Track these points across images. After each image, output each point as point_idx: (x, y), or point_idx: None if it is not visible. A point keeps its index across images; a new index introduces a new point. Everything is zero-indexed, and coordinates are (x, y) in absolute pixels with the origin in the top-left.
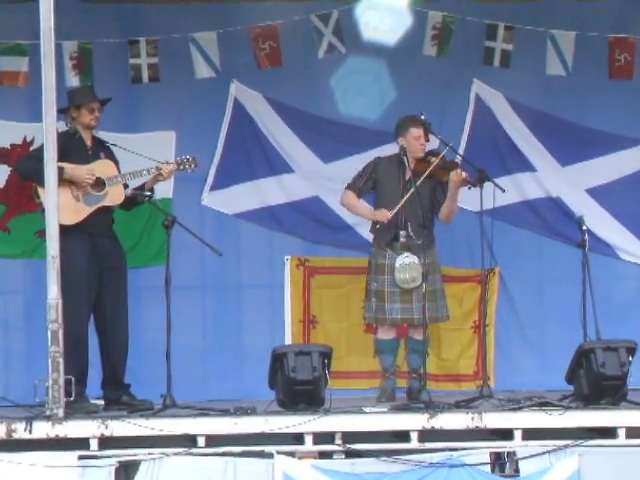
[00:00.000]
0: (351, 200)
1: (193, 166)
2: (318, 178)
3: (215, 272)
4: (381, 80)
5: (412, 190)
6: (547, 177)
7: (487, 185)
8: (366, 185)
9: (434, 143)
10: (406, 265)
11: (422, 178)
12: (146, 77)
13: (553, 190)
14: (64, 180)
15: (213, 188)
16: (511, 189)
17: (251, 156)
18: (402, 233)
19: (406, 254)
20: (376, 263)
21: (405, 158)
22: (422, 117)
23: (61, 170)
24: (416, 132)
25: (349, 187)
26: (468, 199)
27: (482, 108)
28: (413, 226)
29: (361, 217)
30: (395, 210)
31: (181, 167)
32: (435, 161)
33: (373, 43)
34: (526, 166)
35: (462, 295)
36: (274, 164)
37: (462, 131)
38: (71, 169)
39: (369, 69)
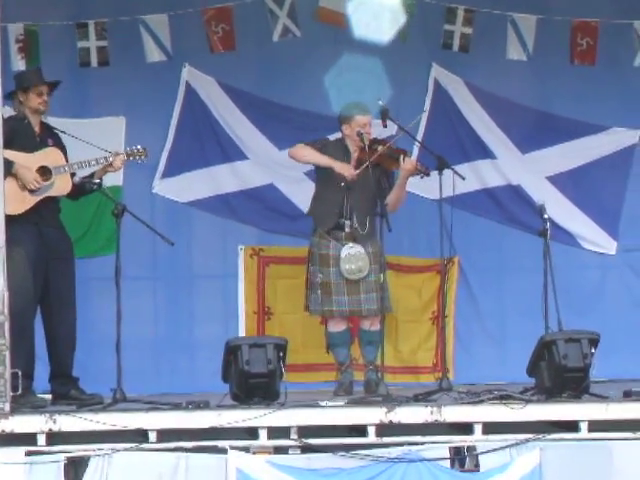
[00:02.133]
0: (308, 150)
1: (143, 157)
2: (273, 165)
3: (167, 262)
4: (337, 65)
5: (372, 159)
6: (507, 164)
7: (446, 172)
8: (320, 151)
9: (392, 129)
10: (352, 255)
11: (364, 165)
12: (95, 61)
13: (513, 178)
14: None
15: (164, 175)
16: (471, 177)
17: (204, 142)
18: (347, 223)
19: (351, 244)
20: (320, 254)
21: (350, 145)
22: (380, 103)
23: (10, 164)
24: (361, 119)
25: (304, 143)
26: (427, 187)
27: (441, 93)
28: (358, 215)
29: (317, 163)
30: (360, 170)
31: (131, 158)
32: (382, 149)
33: (332, 29)
34: (486, 153)
35: (420, 285)
36: (227, 151)
37: (421, 117)
38: (20, 168)
39: (325, 54)
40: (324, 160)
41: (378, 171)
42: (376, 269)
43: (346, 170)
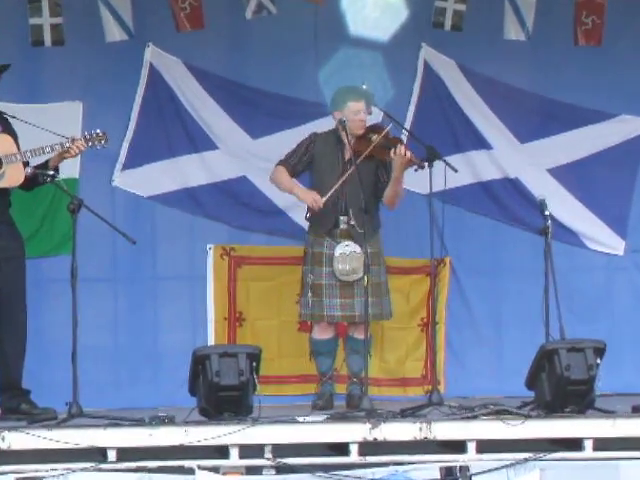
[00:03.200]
0: (282, 176)
1: (103, 142)
2: (246, 156)
3: (128, 263)
4: (316, 47)
5: (349, 172)
6: (504, 155)
7: (437, 164)
8: (300, 163)
9: (377, 116)
10: (346, 255)
11: (361, 157)
12: (49, 40)
13: (511, 170)
14: None
15: (125, 167)
16: (464, 169)
17: (169, 130)
18: (342, 219)
19: (346, 242)
20: (312, 252)
21: (343, 135)
22: (364, 87)
23: None
24: (354, 106)
25: (281, 163)
26: (416, 180)
27: (431, 77)
28: (354, 211)
29: (290, 193)
30: (327, 196)
31: (90, 144)
32: (377, 139)
33: (311, 6)
34: (481, 143)
35: (409, 289)
36: (195, 140)
37: (409, 103)
38: None
39: (304, 33)
40: (292, 191)
41: (375, 164)
42: (375, 271)
43: (310, 200)
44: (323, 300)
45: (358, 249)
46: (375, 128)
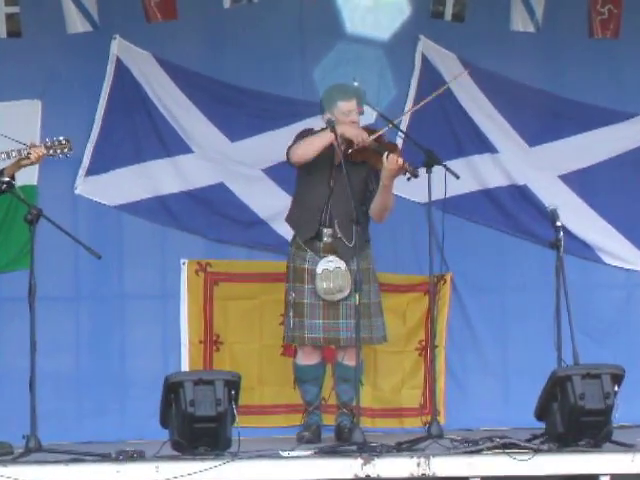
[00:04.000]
0: (307, 140)
1: (66, 150)
2: (223, 160)
3: (92, 279)
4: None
5: (380, 132)
6: (511, 160)
7: (437, 170)
8: None
9: (369, 117)
10: (330, 272)
11: (354, 148)
12: (4, 31)
13: (519, 176)
14: None
15: (90, 173)
16: (466, 175)
17: (138, 132)
18: (326, 232)
19: (330, 258)
20: (294, 267)
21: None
22: (355, 84)
23: None
24: (345, 106)
25: (294, 142)
26: (413, 188)
27: (430, 73)
28: (341, 222)
29: (324, 143)
30: (376, 136)
31: (51, 151)
32: (371, 142)
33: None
34: (485, 146)
35: (405, 308)
36: (167, 143)
37: (405, 102)
38: None
39: (288, 23)
40: (326, 137)
41: (366, 170)
42: (365, 290)
43: (354, 131)
44: (304, 321)
45: (343, 265)
46: (368, 130)
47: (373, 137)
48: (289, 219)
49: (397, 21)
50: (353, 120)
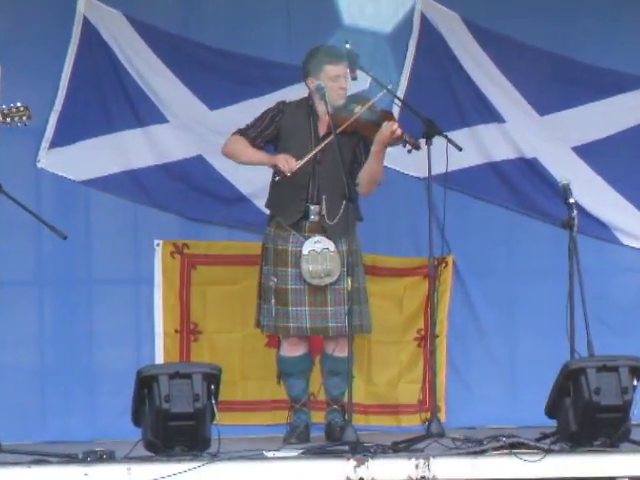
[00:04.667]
0: (239, 145)
1: (25, 118)
2: (202, 130)
3: (57, 262)
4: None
5: (327, 141)
6: (520, 130)
7: (437, 142)
8: (262, 137)
9: (363, 82)
10: (317, 253)
11: (319, 146)
12: None
13: (528, 148)
14: None
15: (54, 145)
16: (470, 147)
17: (107, 100)
18: (313, 209)
19: (317, 238)
20: (275, 249)
21: (320, 105)
22: (347, 46)
23: None
24: (333, 70)
25: (239, 132)
26: (411, 161)
27: (430, 34)
28: (330, 199)
29: (253, 164)
30: (303, 161)
31: (8, 120)
32: (360, 110)
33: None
34: (491, 115)
35: (402, 295)
36: (140, 111)
37: (403, 66)
38: None
39: None
40: (255, 157)
41: (355, 140)
42: (357, 273)
43: (283, 162)
44: (289, 309)
45: (332, 246)
46: (358, 97)
47: (365, 107)
48: (270, 204)
49: (399, 12)
50: (341, 86)
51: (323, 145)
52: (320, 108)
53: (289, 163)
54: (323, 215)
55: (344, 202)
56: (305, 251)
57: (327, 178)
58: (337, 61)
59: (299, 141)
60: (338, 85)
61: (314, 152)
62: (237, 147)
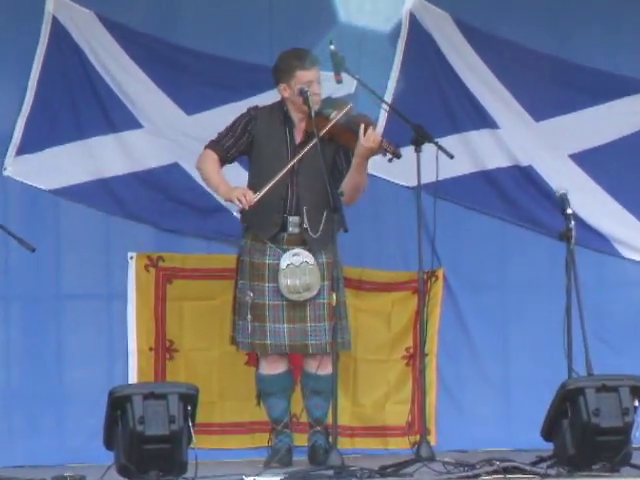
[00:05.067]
0: (207, 164)
1: None
2: (178, 137)
3: (24, 276)
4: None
5: (297, 158)
6: (514, 137)
7: (427, 149)
8: (236, 146)
9: (348, 87)
10: (296, 267)
11: (290, 163)
12: None
13: (523, 156)
14: None
15: (21, 151)
16: (462, 154)
17: (78, 104)
18: (292, 220)
19: (296, 250)
20: (251, 263)
21: (293, 112)
22: (331, 48)
23: None
24: (305, 76)
25: (211, 145)
26: (399, 169)
27: (420, 35)
28: (310, 209)
29: (210, 189)
30: (262, 193)
31: None
32: (337, 115)
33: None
34: (484, 121)
35: (390, 310)
36: (112, 116)
37: (390, 69)
38: None
39: None
40: (213, 183)
41: (333, 147)
42: (330, 287)
43: (235, 194)
44: (266, 325)
45: (311, 259)
46: (335, 102)
47: (340, 114)
48: (245, 218)
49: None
50: (315, 92)
51: (283, 174)
52: (294, 113)
53: (246, 197)
54: (305, 227)
55: (325, 213)
56: (283, 264)
57: (307, 188)
58: (309, 66)
59: (274, 149)
60: (311, 91)
61: (275, 180)
62: (203, 166)
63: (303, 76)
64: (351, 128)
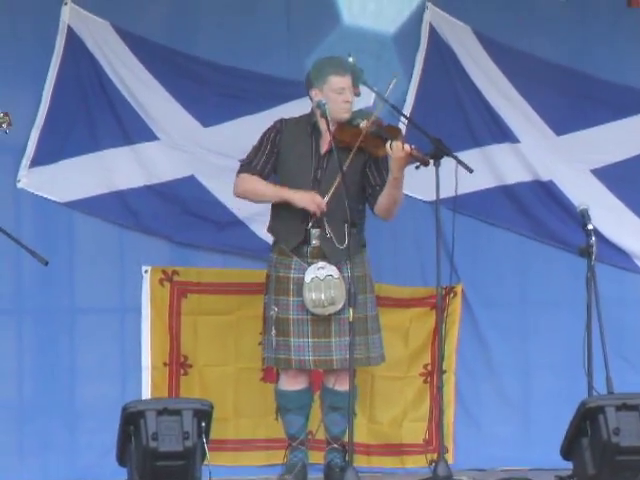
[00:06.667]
0: (254, 183)
1: (5, 125)
2: (194, 149)
3: (38, 290)
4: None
5: (346, 165)
6: (535, 151)
7: (446, 163)
8: (269, 162)
9: (367, 99)
10: (320, 280)
11: (336, 182)
12: None
13: (543, 170)
14: None
15: (35, 163)
16: (482, 169)
17: (93, 115)
18: (314, 233)
19: (321, 264)
20: (277, 277)
21: (321, 121)
22: (350, 60)
23: None
24: (338, 82)
25: (243, 169)
26: (418, 183)
27: (439, 47)
28: (332, 221)
29: (272, 201)
30: (330, 195)
31: None
32: (366, 126)
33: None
34: (504, 135)
35: (408, 327)
36: (127, 128)
37: (409, 82)
38: None
39: None
40: (279, 194)
41: (363, 160)
42: (361, 302)
43: (310, 202)
44: (291, 340)
45: (336, 273)
46: (363, 113)
47: (370, 121)
48: (271, 229)
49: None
50: (346, 99)
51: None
52: (322, 124)
53: (319, 205)
54: (328, 239)
55: (346, 225)
56: (308, 278)
57: (333, 201)
58: (343, 72)
59: (299, 160)
60: (343, 98)
61: (335, 186)
62: (252, 186)
63: (336, 82)
64: (380, 138)
